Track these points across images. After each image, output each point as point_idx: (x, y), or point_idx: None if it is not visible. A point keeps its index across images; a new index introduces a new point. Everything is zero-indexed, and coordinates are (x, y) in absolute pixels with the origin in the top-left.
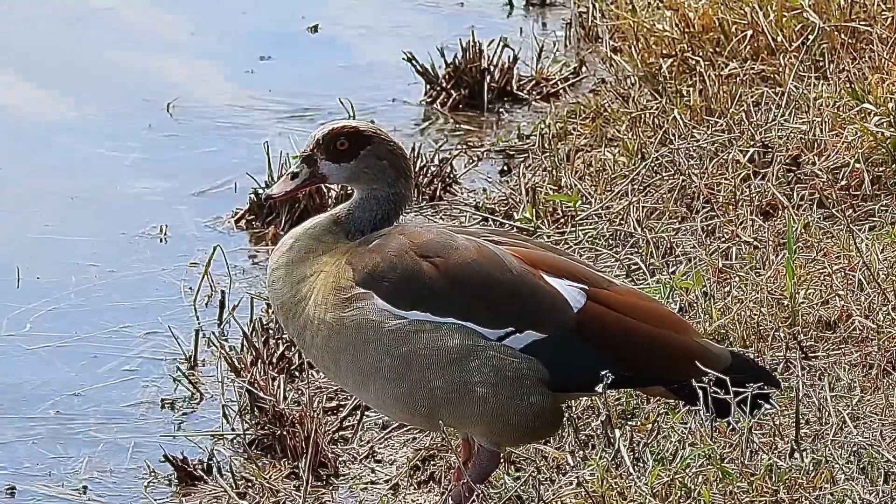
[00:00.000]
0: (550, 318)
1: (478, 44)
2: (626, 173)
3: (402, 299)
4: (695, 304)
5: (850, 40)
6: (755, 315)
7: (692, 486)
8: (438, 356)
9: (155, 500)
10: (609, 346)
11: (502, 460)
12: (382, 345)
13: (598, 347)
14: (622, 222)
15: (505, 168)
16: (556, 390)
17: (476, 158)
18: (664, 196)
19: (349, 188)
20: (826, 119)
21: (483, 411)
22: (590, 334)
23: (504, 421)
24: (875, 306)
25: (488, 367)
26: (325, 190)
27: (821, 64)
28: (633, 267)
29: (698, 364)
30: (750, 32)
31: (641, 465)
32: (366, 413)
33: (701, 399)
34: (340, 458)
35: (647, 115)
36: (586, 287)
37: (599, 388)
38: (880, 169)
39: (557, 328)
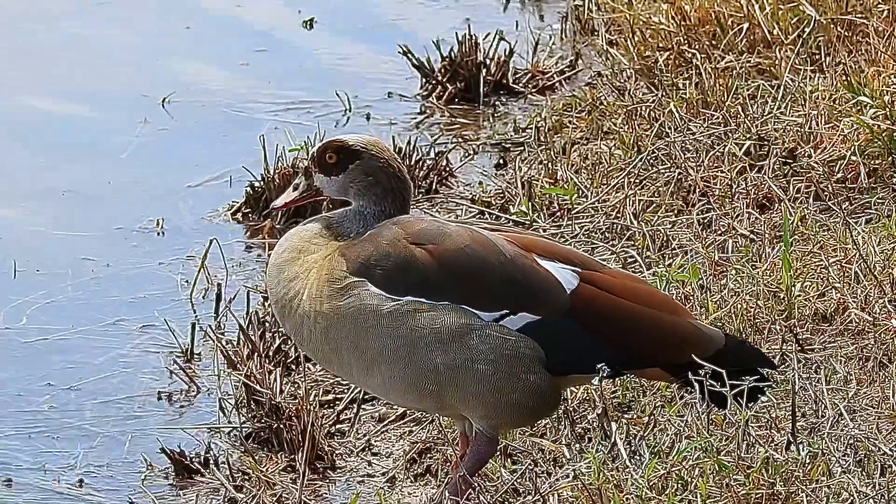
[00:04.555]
0: (543, 300)
1: (474, 37)
2: (623, 166)
3: (396, 286)
4: (691, 297)
5: (846, 33)
6: (751, 308)
7: (688, 479)
8: (439, 334)
9: (152, 493)
10: (602, 327)
11: (498, 452)
12: (382, 328)
13: (591, 329)
14: (618, 215)
15: (501, 161)
16: (551, 372)
17: (472, 152)
18: (660, 189)
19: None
20: (822, 112)
21: (484, 389)
22: (583, 316)
23: (503, 399)
24: (871, 299)
25: (487, 343)
26: None
27: (817, 57)
28: (630, 260)
29: (691, 345)
30: (746, 25)
31: (638, 457)
32: (362, 406)
33: (697, 389)
34: (337, 451)
35: (644, 108)
36: (579, 269)
37: (596, 381)
38: (876, 161)
39: (550, 310)
